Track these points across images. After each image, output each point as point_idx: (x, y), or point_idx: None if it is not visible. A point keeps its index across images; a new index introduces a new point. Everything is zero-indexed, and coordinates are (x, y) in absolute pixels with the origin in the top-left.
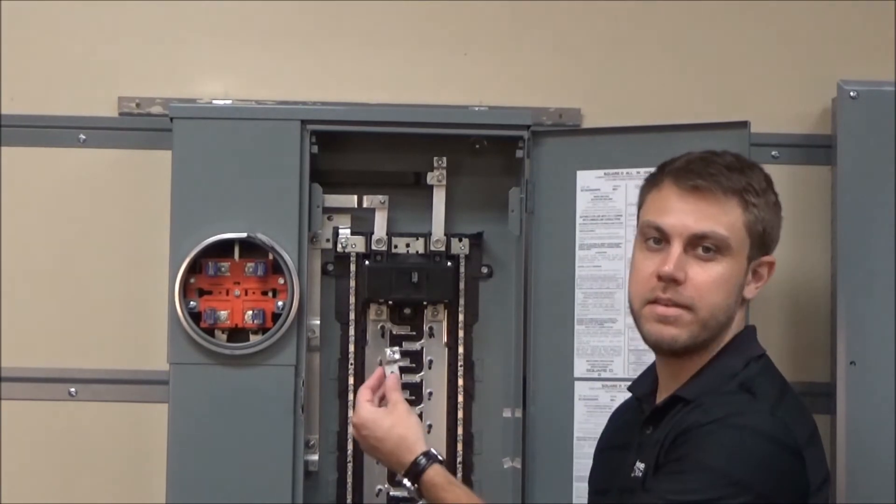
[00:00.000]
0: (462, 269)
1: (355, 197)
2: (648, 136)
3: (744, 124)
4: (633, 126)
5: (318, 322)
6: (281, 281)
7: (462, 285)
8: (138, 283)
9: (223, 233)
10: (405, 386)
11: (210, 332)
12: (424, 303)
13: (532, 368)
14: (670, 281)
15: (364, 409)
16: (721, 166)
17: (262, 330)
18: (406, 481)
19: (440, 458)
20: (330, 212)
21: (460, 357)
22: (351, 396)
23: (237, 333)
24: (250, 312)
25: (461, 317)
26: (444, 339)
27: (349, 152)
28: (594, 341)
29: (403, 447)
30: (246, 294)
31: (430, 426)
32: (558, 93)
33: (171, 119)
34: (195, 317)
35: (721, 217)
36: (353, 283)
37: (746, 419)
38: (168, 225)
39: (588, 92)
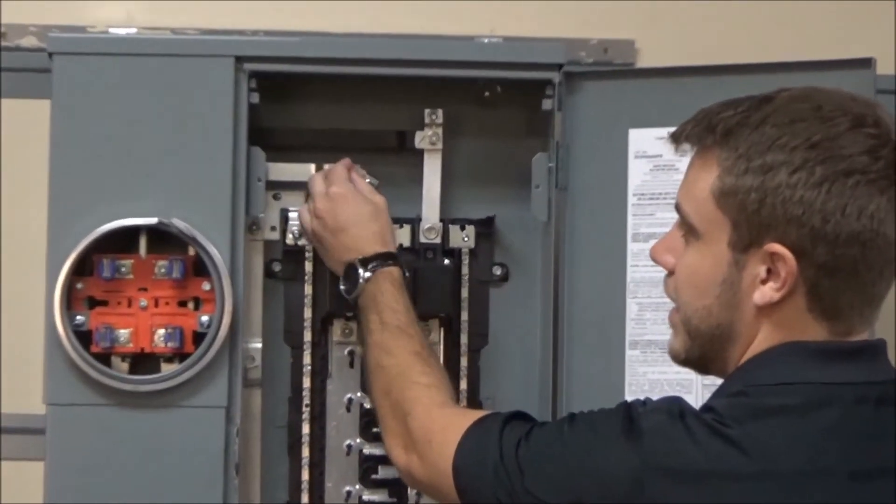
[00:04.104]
0: (465, 270)
1: (313, 167)
2: (730, 80)
3: (866, 62)
4: (707, 66)
5: (260, 345)
6: (206, 286)
7: (465, 292)
8: (2, 290)
9: (123, 218)
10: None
11: (105, 359)
12: None
13: (565, 411)
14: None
15: (346, 183)
16: (731, 110)
17: (180, 356)
18: (361, 271)
19: (404, 267)
20: (277, 187)
21: (462, 395)
22: (306, 452)
23: (144, 361)
24: (162, 332)
25: (464, 338)
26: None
27: (304, 103)
28: (654, 373)
29: (376, 239)
30: (156, 305)
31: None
32: (603, 19)
33: (50, 55)
34: (83, 337)
35: (693, 185)
36: (309, 290)
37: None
38: (45, 207)
39: (646, 18)
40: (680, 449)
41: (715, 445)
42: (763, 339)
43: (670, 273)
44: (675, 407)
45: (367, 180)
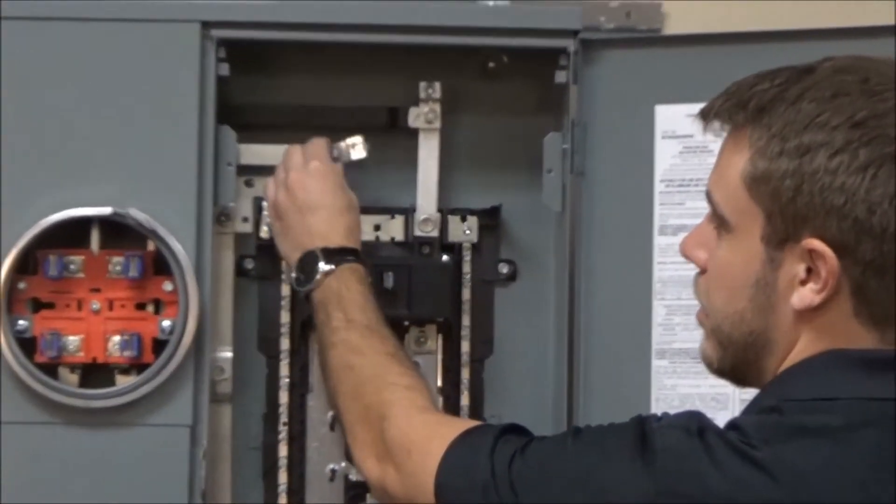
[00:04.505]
0: (467, 268)
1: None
2: (770, 49)
3: None
4: (745, 32)
5: (230, 355)
6: (168, 287)
7: (467, 294)
8: None
9: (73, 207)
10: None
11: (51, 370)
12: (406, 323)
13: None
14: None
15: (329, 162)
16: (767, 82)
17: (137, 367)
18: (322, 262)
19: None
20: (249, 172)
21: (464, 411)
22: (283, 478)
23: (96, 373)
24: (118, 339)
25: (465, 346)
26: (438, 381)
27: (281, 76)
28: (684, 386)
29: (347, 232)
30: (110, 308)
31: None
32: None
33: None
34: (26, 346)
35: (724, 170)
36: (286, 291)
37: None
38: None
39: None
40: (697, 471)
41: (738, 468)
42: (803, 348)
43: (702, 271)
44: (694, 423)
45: (354, 150)
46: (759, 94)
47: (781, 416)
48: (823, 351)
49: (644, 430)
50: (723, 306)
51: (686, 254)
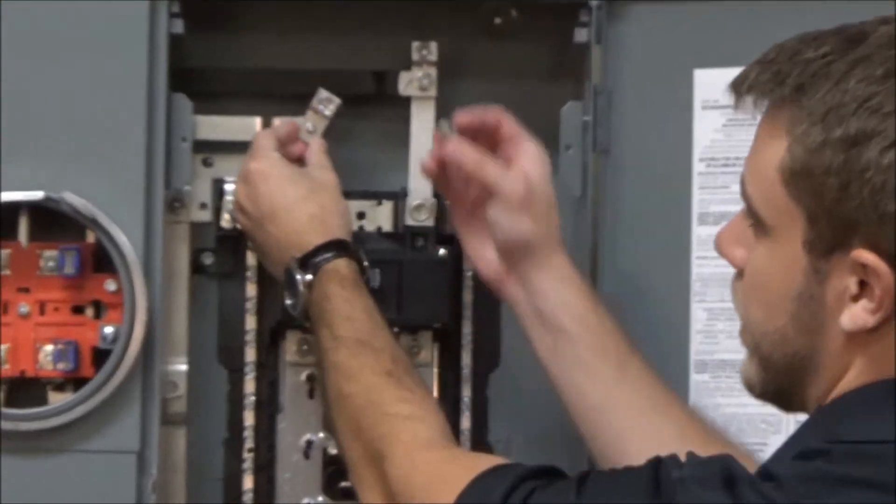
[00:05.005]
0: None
1: (258, 120)
2: (831, 6)
3: None
4: None
5: (185, 368)
6: (111, 286)
7: (469, 294)
8: None
9: None
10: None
11: None
12: (396, 329)
13: None
14: (737, 272)
15: (269, 156)
16: (811, 50)
17: (74, 383)
18: (298, 274)
19: (362, 259)
20: (209, 149)
21: (464, 435)
22: None
23: (24, 389)
24: (50, 348)
25: (466, 357)
26: (435, 397)
27: (247, 34)
28: (730, 405)
29: (315, 225)
30: (42, 312)
31: None
32: None
33: None
34: None
35: (759, 159)
36: (252, 291)
37: None
38: None
39: None
40: None
41: None
42: (857, 375)
43: (739, 273)
44: (722, 471)
45: (327, 109)
46: (801, 67)
47: (828, 463)
48: (878, 381)
49: (659, 478)
50: (761, 322)
51: (722, 250)
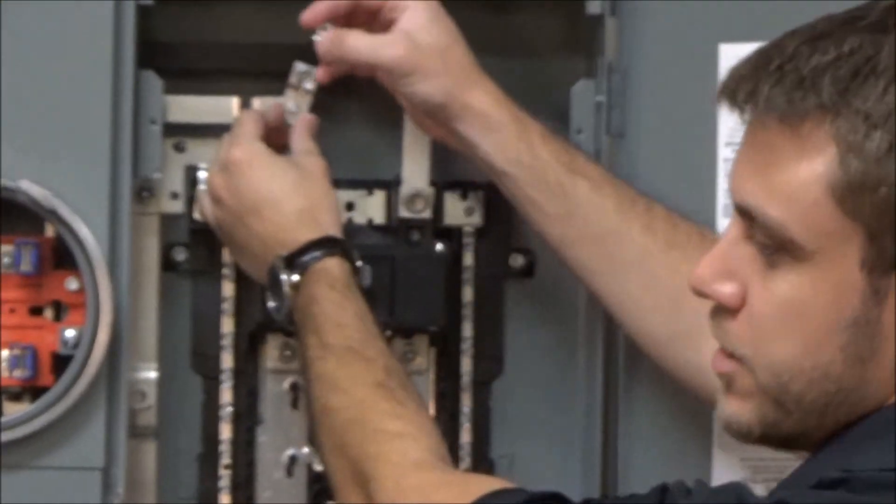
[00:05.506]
0: (469, 260)
1: (235, 100)
2: None
3: None
4: None
5: (155, 375)
6: (73, 285)
7: (469, 294)
8: None
9: None
10: None
11: None
12: (389, 332)
13: (620, 480)
14: (717, 306)
15: (252, 143)
16: (832, 51)
17: (33, 392)
18: (283, 274)
19: (354, 258)
20: (180, 133)
21: (464, 449)
22: None
23: None
24: (6, 354)
25: (466, 363)
26: (431, 410)
27: (221, 5)
28: None
29: (304, 220)
30: None
31: None
32: None
33: None
34: None
35: (781, 176)
36: (229, 290)
37: None
38: None
39: None
40: None
41: None
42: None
43: (732, 310)
44: (732, 499)
45: (308, 85)
46: (832, 69)
47: (848, 491)
48: (889, 405)
49: None
50: (796, 358)
51: (706, 289)
